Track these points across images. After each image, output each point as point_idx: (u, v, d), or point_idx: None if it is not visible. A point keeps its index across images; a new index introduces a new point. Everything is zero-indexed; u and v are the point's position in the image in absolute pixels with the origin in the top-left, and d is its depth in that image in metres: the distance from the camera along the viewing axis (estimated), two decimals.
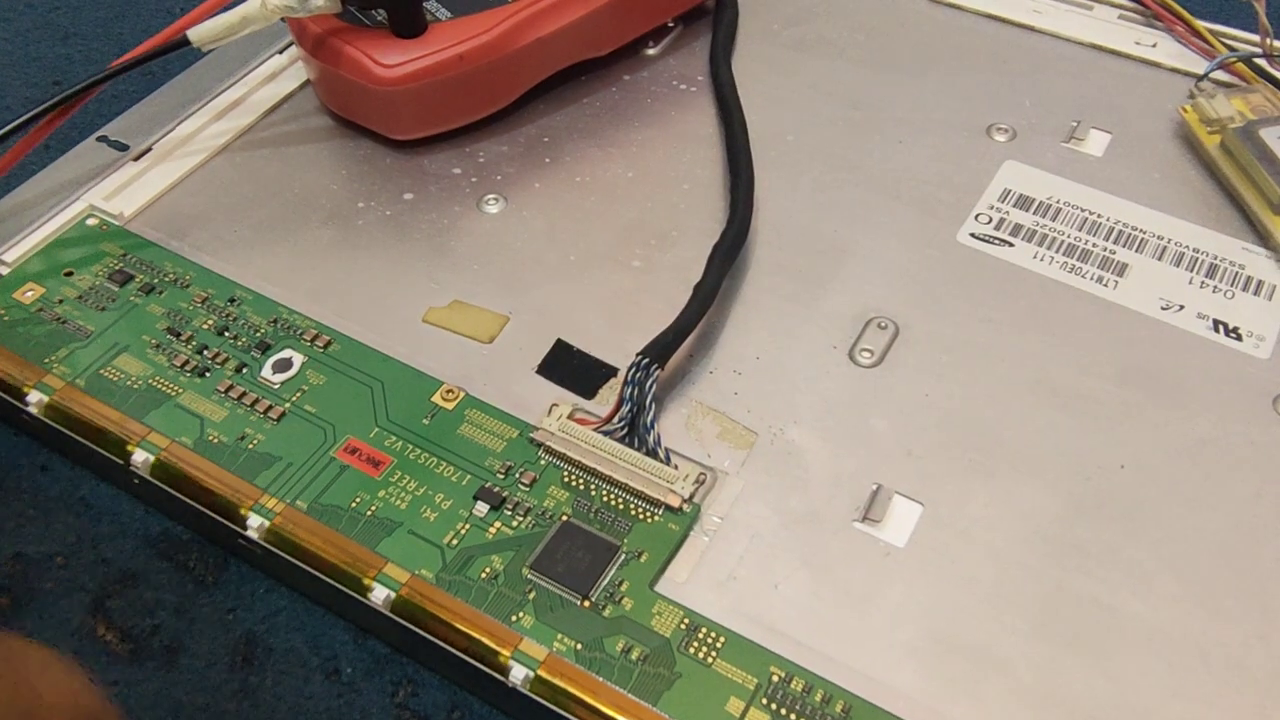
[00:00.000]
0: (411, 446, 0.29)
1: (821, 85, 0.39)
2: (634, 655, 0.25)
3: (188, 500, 0.28)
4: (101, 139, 0.37)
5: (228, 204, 0.35)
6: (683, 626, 0.25)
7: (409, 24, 0.35)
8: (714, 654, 0.25)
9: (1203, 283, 0.33)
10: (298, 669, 0.28)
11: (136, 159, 0.36)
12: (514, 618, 0.25)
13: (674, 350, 0.30)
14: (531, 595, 0.26)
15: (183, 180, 0.36)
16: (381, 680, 0.27)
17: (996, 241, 0.34)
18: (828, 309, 0.32)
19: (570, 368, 0.31)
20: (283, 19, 0.34)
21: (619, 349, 0.31)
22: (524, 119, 0.38)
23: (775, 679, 0.24)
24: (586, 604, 0.26)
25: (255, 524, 0.27)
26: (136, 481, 0.29)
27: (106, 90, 0.42)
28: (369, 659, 0.28)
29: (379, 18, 0.35)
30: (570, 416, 0.29)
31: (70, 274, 0.33)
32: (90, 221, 0.34)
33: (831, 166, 0.37)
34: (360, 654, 0.28)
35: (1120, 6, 0.41)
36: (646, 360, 0.29)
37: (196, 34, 0.33)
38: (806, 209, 0.35)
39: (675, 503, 0.27)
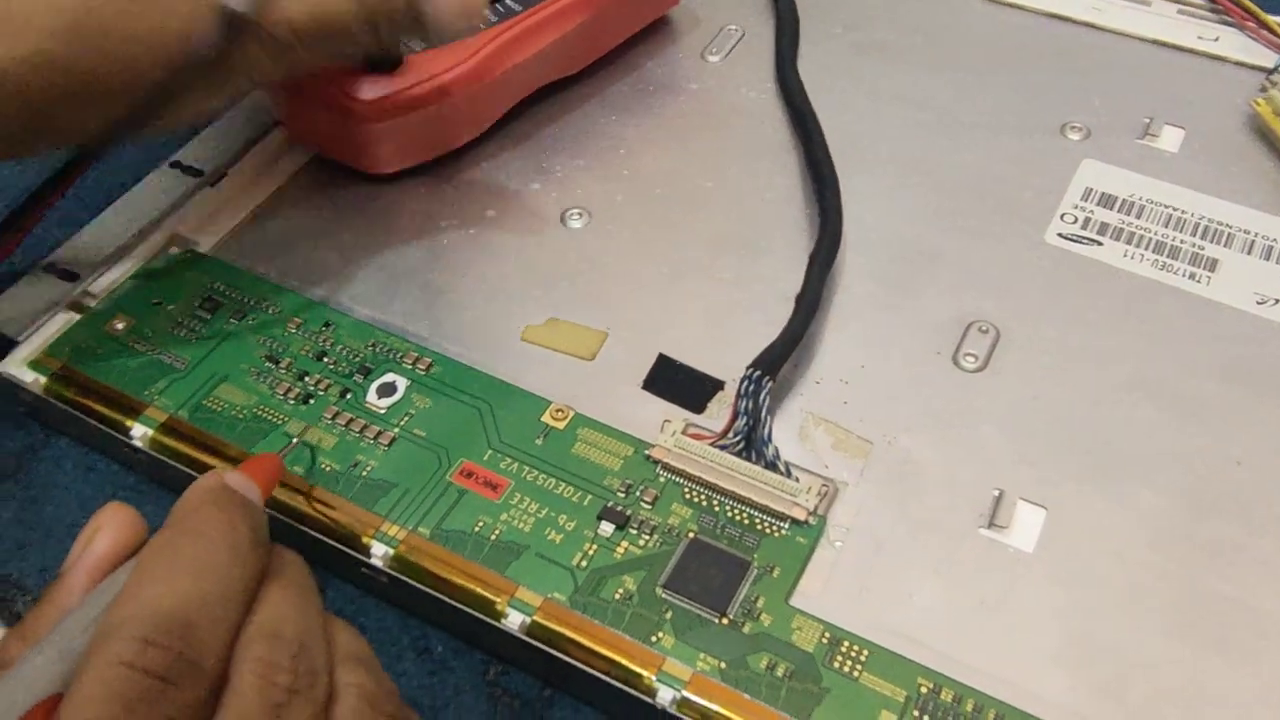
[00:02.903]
0: (528, 468, 0.28)
1: (887, 89, 0.39)
2: (779, 671, 0.25)
3: (306, 530, 0.28)
4: (175, 165, 0.36)
5: (309, 227, 0.35)
6: (824, 640, 0.25)
7: (385, 58, 0.34)
8: (859, 667, 0.25)
9: None
10: (389, 647, 0.27)
11: (213, 184, 0.36)
12: (654, 638, 0.25)
13: (784, 361, 0.30)
14: (668, 615, 0.26)
15: (262, 205, 0.36)
16: (472, 659, 0.27)
17: (1085, 241, 0.34)
18: (926, 315, 0.32)
19: (676, 382, 0.31)
20: None
21: (720, 362, 0.31)
22: (595, 131, 0.38)
23: (924, 690, 0.24)
24: (725, 621, 0.26)
25: (379, 552, 0.27)
26: None
27: None
28: (457, 638, 0.28)
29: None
30: (684, 432, 0.29)
31: (159, 304, 0.32)
32: (173, 250, 0.34)
33: (909, 170, 0.36)
34: (448, 634, 0.28)
35: (1179, 1, 0.42)
36: (759, 373, 0.29)
37: None
38: (890, 214, 0.35)
39: (801, 516, 0.27)
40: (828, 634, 0.25)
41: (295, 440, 0.28)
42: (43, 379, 0.31)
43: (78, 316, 0.32)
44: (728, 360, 0.31)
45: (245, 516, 0.22)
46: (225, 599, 0.20)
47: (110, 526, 0.22)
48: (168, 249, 0.34)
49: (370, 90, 0.34)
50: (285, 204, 0.36)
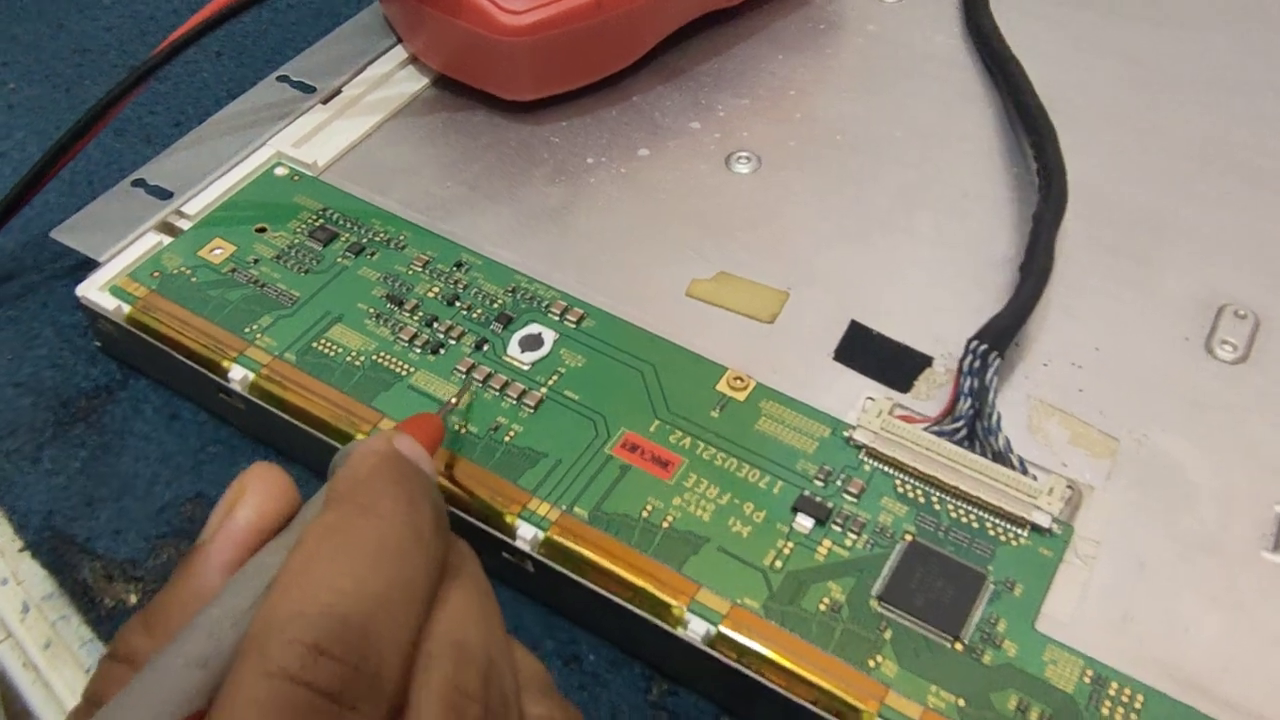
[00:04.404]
0: (704, 445, 0.24)
1: (1095, 41, 0.34)
2: (1033, 716, 0.20)
3: None
4: (282, 79, 0.32)
5: (434, 155, 0.30)
6: (1086, 680, 0.20)
7: None
8: (1134, 716, 0.20)
9: None
10: (532, 653, 0.23)
11: (325, 102, 0.31)
12: (871, 662, 0.20)
13: (1013, 336, 0.25)
14: (887, 634, 0.21)
15: (379, 127, 0.31)
16: (630, 672, 0.23)
17: None
18: (1167, 293, 0.27)
19: (874, 354, 0.26)
20: None
21: (925, 333, 0.26)
22: (760, 70, 0.33)
23: None
24: (959, 647, 0.21)
25: (527, 535, 0.22)
26: None
27: (277, 26, 0.37)
28: (613, 647, 0.23)
29: None
30: (892, 413, 0.24)
31: (263, 230, 0.28)
32: (279, 171, 0.29)
33: (1126, 130, 0.31)
34: (603, 640, 0.23)
35: None
36: (985, 347, 0.24)
37: None
38: (1113, 178, 0.30)
39: (1045, 522, 0.22)
40: (1090, 671, 0.20)
41: (454, 401, 0.23)
42: (126, 307, 0.26)
43: (169, 239, 0.28)
44: (934, 332, 0.26)
45: (425, 493, 0.17)
46: (409, 598, 0.15)
47: (257, 490, 0.17)
48: (273, 169, 0.29)
49: (520, 1, 0.29)
50: (405, 129, 0.31)
